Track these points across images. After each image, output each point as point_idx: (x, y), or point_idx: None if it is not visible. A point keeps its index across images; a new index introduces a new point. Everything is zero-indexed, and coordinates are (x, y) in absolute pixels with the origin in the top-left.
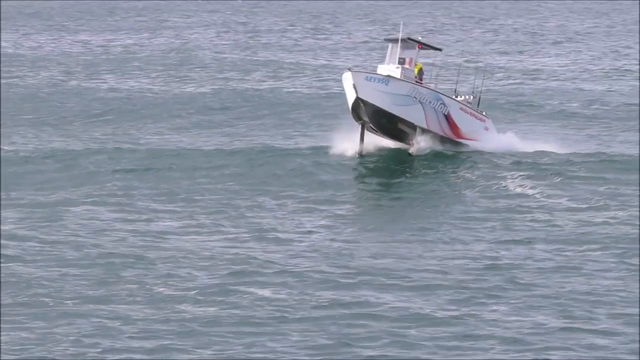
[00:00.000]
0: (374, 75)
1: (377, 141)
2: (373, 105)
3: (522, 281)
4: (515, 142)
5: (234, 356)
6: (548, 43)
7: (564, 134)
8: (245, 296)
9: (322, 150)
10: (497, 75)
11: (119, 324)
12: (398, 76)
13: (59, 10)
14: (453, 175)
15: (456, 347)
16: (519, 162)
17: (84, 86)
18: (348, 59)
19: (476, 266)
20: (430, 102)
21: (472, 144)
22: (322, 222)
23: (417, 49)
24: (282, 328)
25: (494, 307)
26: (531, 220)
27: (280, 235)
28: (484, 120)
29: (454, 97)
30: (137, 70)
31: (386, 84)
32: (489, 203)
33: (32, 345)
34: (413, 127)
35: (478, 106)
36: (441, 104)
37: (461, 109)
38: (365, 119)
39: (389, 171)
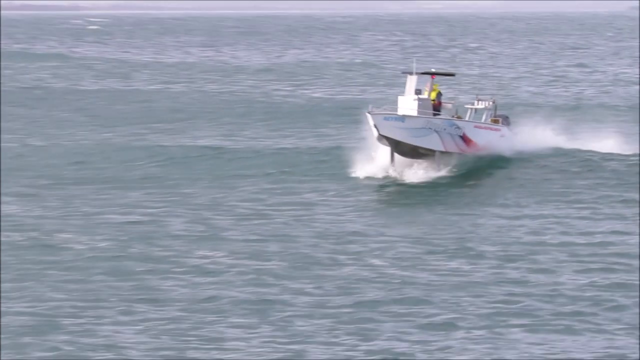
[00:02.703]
0: (391, 115)
1: None
2: (394, 140)
3: None
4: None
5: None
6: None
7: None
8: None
9: None
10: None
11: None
12: (415, 110)
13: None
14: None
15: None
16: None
17: (248, 91)
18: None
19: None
20: (445, 129)
21: (491, 151)
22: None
23: (431, 78)
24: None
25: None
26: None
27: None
28: (499, 130)
29: (475, 102)
30: (304, 80)
31: (402, 121)
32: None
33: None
34: (432, 151)
35: (496, 111)
36: (455, 127)
37: (475, 126)
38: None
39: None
